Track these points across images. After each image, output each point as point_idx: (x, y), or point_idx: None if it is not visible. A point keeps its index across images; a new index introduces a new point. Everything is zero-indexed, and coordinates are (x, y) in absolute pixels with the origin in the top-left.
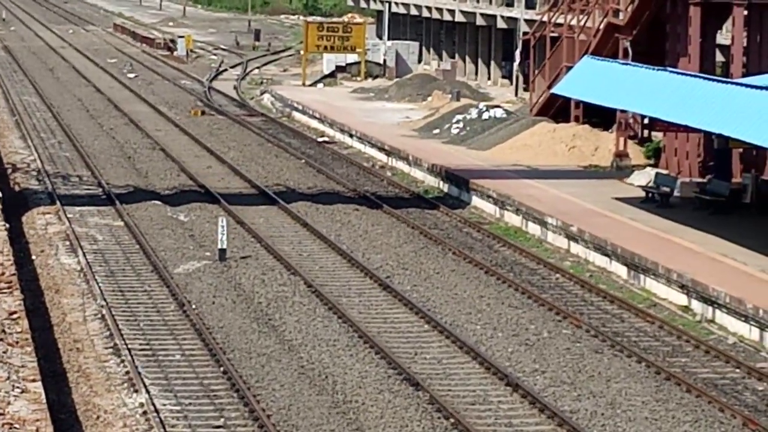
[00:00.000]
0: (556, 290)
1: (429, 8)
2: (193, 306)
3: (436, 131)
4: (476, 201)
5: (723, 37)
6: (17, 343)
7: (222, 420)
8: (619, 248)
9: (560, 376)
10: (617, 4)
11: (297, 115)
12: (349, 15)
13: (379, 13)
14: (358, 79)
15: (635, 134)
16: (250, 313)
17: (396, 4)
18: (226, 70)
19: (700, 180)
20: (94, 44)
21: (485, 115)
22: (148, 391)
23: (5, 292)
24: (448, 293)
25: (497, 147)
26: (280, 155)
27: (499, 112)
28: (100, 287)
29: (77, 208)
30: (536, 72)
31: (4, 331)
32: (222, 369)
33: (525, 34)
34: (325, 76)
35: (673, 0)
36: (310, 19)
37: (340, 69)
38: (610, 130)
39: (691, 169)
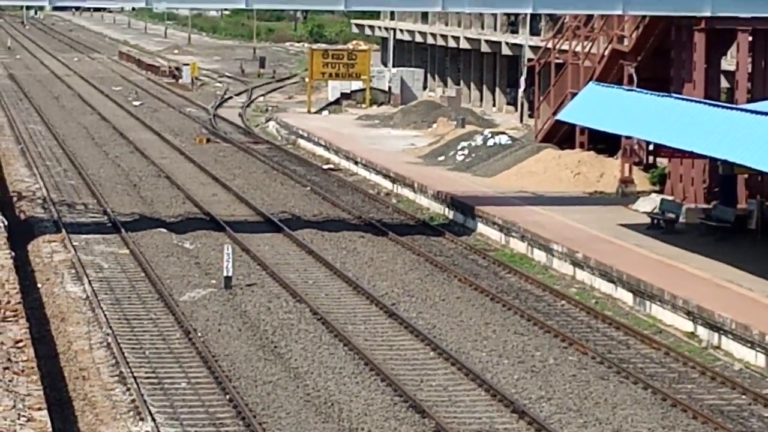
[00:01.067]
0: (561, 317)
1: (434, 35)
2: (199, 334)
3: (441, 158)
4: (481, 228)
5: (728, 63)
6: (23, 371)
7: None
8: (625, 275)
9: (566, 403)
10: (622, 31)
11: (302, 142)
12: (354, 42)
13: (384, 40)
14: (363, 106)
15: (640, 160)
16: (255, 341)
17: (401, 31)
18: (231, 97)
19: (705, 206)
20: (99, 72)
21: (490, 142)
22: (154, 420)
23: (11, 321)
24: (453, 320)
25: (502, 174)
26: (286, 182)
27: (504, 139)
28: (105, 315)
29: (83, 236)
30: (541, 98)
31: (9, 359)
32: (228, 397)
33: (530, 60)
34: (330, 104)
35: (678, 26)
36: (315, 46)
37: (345, 96)
38: (615, 157)
39: (696, 195)
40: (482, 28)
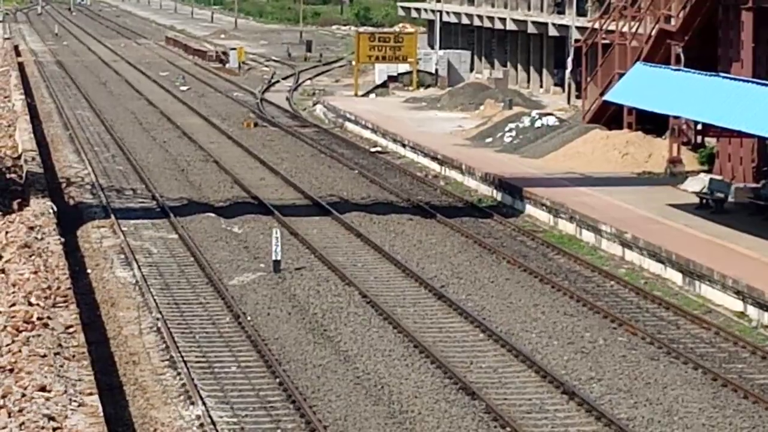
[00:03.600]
0: (611, 298)
1: (480, 17)
2: (249, 318)
3: (489, 140)
4: (530, 209)
5: None
6: (74, 356)
7: (279, 431)
8: (674, 255)
9: (616, 384)
10: (669, 11)
11: (349, 125)
12: (401, 25)
13: (431, 22)
14: (410, 88)
15: (688, 140)
16: (305, 324)
17: (447, 13)
18: (278, 81)
19: (754, 185)
20: (146, 57)
21: (538, 123)
22: (204, 404)
23: (61, 306)
24: (502, 302)
25: (550, 155)
26: (333, 166)
27: (551, 120)
28: (155, 300)
29: (132, 222)
30: (588, 79)
31: (60, 345)
32: (278, 380)
33: (577, 41)
34: (377, 86)
35: (725, 5)
36: (361, 29)
37: (392, 79)
38: (663, 137)
39: (745, 175)
40: (529, 9)
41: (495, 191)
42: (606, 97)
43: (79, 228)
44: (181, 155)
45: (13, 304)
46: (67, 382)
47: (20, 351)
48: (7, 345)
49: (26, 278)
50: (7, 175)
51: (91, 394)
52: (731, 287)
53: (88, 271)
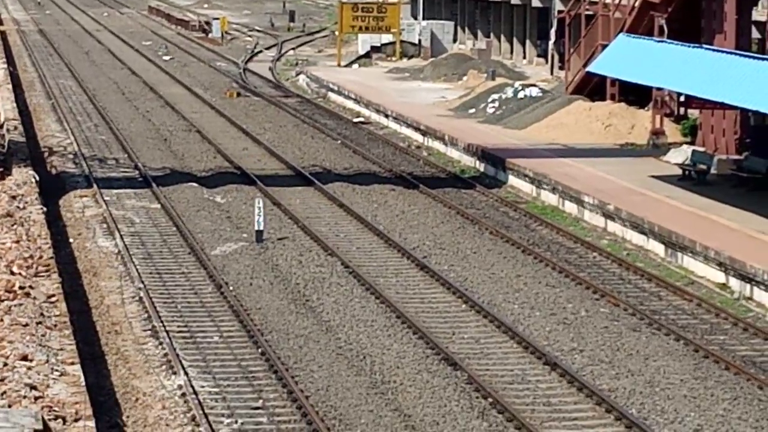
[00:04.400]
0: (593, 269)
1: None
2: (231, 288)
3: (472, 111)
4: (512, 180)
5: (759, 14)
6: (56, 326)
7: (260, 401)
8: (657, 226)
9: (598, 355)
10: None
11: (332, 95)
12: None
13: None
14: (393, 59)
15: (671, 112)
16: (287, 295)
17: None
18: (261, 51)
19: (737, 157)
20: (129, 27)
21: (521, 94)
22: (186, 374)
23: (43, 276)
24: (485, 272)
25: (533, 126)
26: (316, 136)
27: (534, 91)
28: (137, 270)
29: (114, 191)
30: (571, 50)
31: (42, 314)
32: (260, 350)
33: (560, 12)
34: (360, 57)
35: None
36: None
37: (375, 49)
38: (646, 108)
39: (727, 146)
40: None
41: (478, 162)
42: (589, 69)
43: (62, 197)
44: (163, 125)
45: None
46: (48, 352)
47: (2, 320)
48: None
49: (8, 247)
50: None
51: (72, 363)
52: (713, 259)
53: (71, 240)
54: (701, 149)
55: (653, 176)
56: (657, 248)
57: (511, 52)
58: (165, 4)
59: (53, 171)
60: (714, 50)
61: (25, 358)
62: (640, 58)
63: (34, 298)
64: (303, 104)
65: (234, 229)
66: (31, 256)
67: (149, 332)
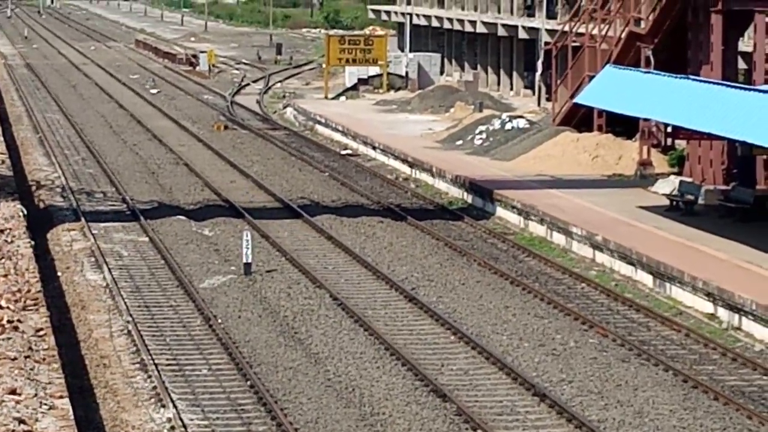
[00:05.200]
0: (581, 300)
1: (450, 20)
2: (219, 320)
3: (459, 142)
4: (500, 212)
5: (745, 45)
6: (44, 359)
7: None
8: (645, 257)
9: (587, 386)
10: (638, 13)
11: (320, 128)
12: (371, 27)
13: (401, 25)
14: (381, 91)
15: (658, 142)
16: (276, 327)
17: (417, 15)
18: (248, 84)
19: (724, 187)
20: (116, 60)
21: (508, 126)
22: (175, 406)
23: (31, 309)
24: (473, 304)
25: (521, 157)
26: (304, 168)
27: (521, 123)
28: (125, 303)
29: (102, 225)
30: (558, 82)
31: (31, 348)
32: (249, 383)
33: (547, 44)
34: (348, 89)
35: (695, 8)
36: (331, 32)
37: (362, 82)
38: (633, 139)
39: (715, 177)
40: (499, 12)
41: (465, 194)
42: (576, 100)
43: (50, 231)
44: (151, 158)
45: None
46: (37, 385)
47: None
48: None
49: None
50: None
51: (61, 397)
52: (702, 289)
53: (59, 273)
54: (689, 180)
55: (641, 207)
56: (645, 279)
57: (498, 84)
58: (152, 38)
59: (41, 205)
60: (701, 81)
61: (13, 391)
62: (627, 89)
63: (23, 331)
64: (290, 137)
65: (222, 262)
66: (20, 290)
67: (138, 365)
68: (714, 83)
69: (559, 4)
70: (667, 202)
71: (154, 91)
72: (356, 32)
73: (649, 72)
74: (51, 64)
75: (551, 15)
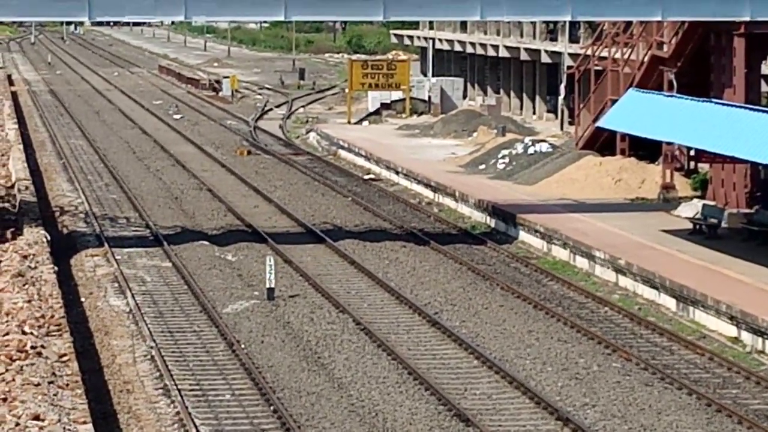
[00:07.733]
0: (605, 324)
1: (473, 44)
2: (243, 345)
3: (482, 167)
4: (523, 236)
5: None
6: (67, 385)
7: None
8: (668, 280)
9: (611, 410)
10: (661, 37)
11: (343, 153)
12: (393, 52)
13: (423, 50)
14: (404, 116)
15: (682, 166)
16: (299, 352)
17: (440, 40)
18: (271, 109)
19: (747, 211)
20: (139, 86)
21: (531, 150)
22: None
23: (55, 335)
24: (496, 328)
25: (544, 181)
26: (327, 193)
27: (544, 147)
28: (149, 328)
29: (125, 250)
30: (581, 106)
31: (54, 373)
32: (272, 408)
33: (569, 68)
34: (371, 114)
35: (717, 32)
36: (354, 57)
37: (385, 106)
38: (656, 163)
39: (738, 200)
40: (521, 36)
41: (488, 218)
42: (599, 124)
43: (73, 256)
44: (174, 183)
45: (7, 333)
46: (61, 411)
47: (14, 380)
48: (1, 374)
49: (20, 307)
50: (1, 204)
51: (85, 422)
52: (725, 313)
53: (82, 299)
54: (712, 203)
55: (664, 230)
56: (668, 302)
57: (521, 108)
58: (175, 64)
59: (64, 230)
60: (724, 104)
61: (37, 417)
62: (649, 113)
63: (46, 357)
64: (313, 162)
65: (245, 287)
66: (43, 316)
67: (161, 391)
68: (737, 106)
69: (581, 28)
70: (690, 225)
71: (177, 116)
72: (379, 57)
73: (671, 95)
74: (74, 90)
75: (574, 39)
